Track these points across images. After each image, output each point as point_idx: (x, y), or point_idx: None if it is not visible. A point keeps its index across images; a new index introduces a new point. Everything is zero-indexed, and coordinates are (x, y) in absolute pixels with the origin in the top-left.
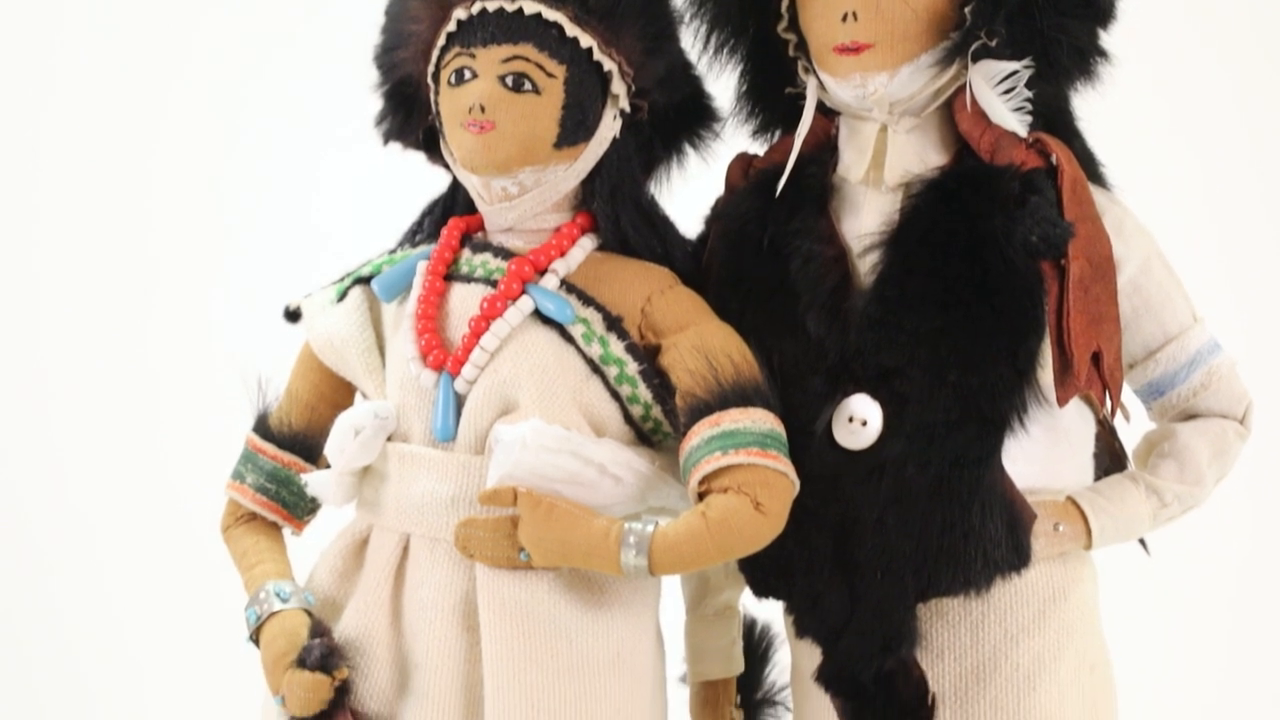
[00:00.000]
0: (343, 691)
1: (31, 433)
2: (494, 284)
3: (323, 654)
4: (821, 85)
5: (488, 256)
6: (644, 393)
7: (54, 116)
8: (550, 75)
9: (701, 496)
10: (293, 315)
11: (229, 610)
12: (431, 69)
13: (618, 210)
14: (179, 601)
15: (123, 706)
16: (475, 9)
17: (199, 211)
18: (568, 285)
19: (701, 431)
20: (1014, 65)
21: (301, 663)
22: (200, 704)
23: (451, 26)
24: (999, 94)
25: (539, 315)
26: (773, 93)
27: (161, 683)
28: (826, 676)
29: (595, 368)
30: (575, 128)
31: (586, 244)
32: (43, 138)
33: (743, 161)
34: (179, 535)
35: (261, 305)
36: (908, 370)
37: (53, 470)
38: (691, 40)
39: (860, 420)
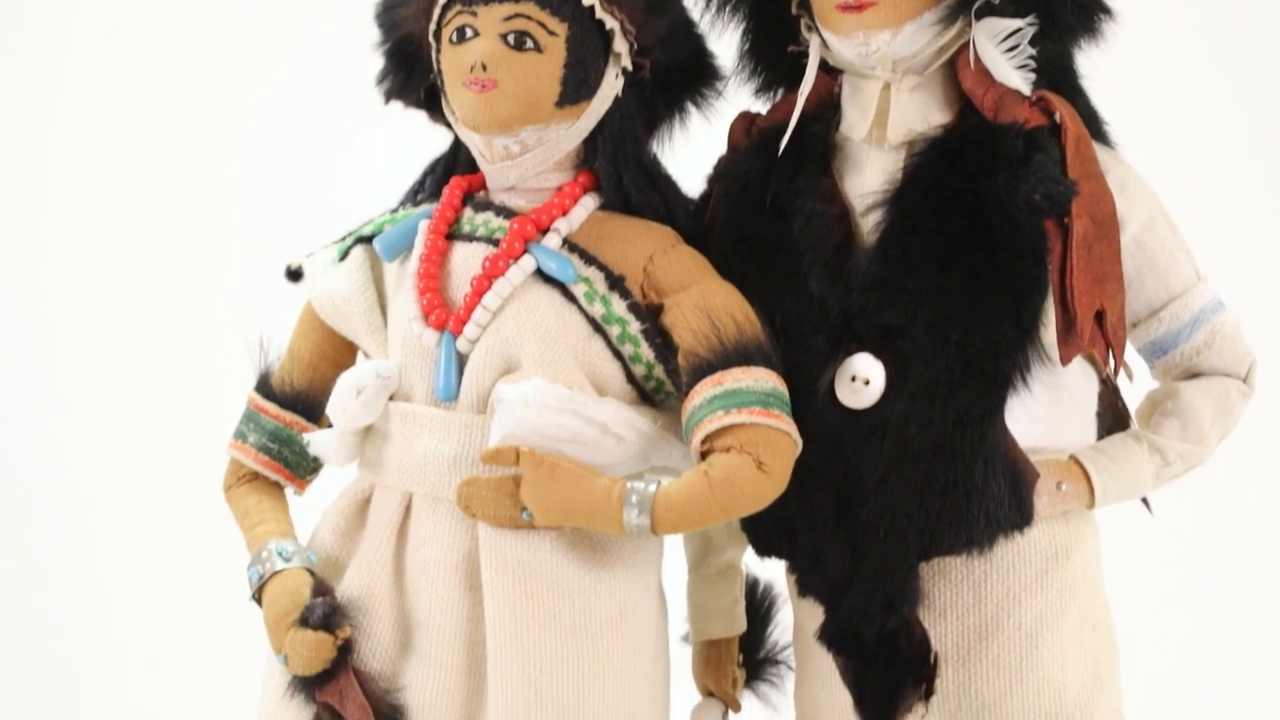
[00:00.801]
0: (345, 650)
1: (34, 421)
2: (496, 243)
3: (325, 613)
4: (824, 43)
5: (490, 215)
6: (646, 352)
7: (59, 86)
8: (552, 33)
9: (704, 456)
10: (294, 275)
11: (228, 609)
12: (433, 27)
13: (620, 169)
14: (180, 594)
15: (123, 697)
16: None
17: (202, 178)
18: (570, 244)
19: (704, 391)
20: (1017, 22)
21: (304, 622)
22: (201, 693)
23: None
24: (1002, 52)
25: (541, 274)
26: (775, 51)
27: (161, 674)
28: (829, 635)
29: (597, 327)
30: (577, 86)
31: (589, 203)
32: (47, 105)
33: (745, 120)
34: (182, 528)
35: (262, 268)
36: (910, 329)
37: (54, 457)
38: None
39: (863, 379)
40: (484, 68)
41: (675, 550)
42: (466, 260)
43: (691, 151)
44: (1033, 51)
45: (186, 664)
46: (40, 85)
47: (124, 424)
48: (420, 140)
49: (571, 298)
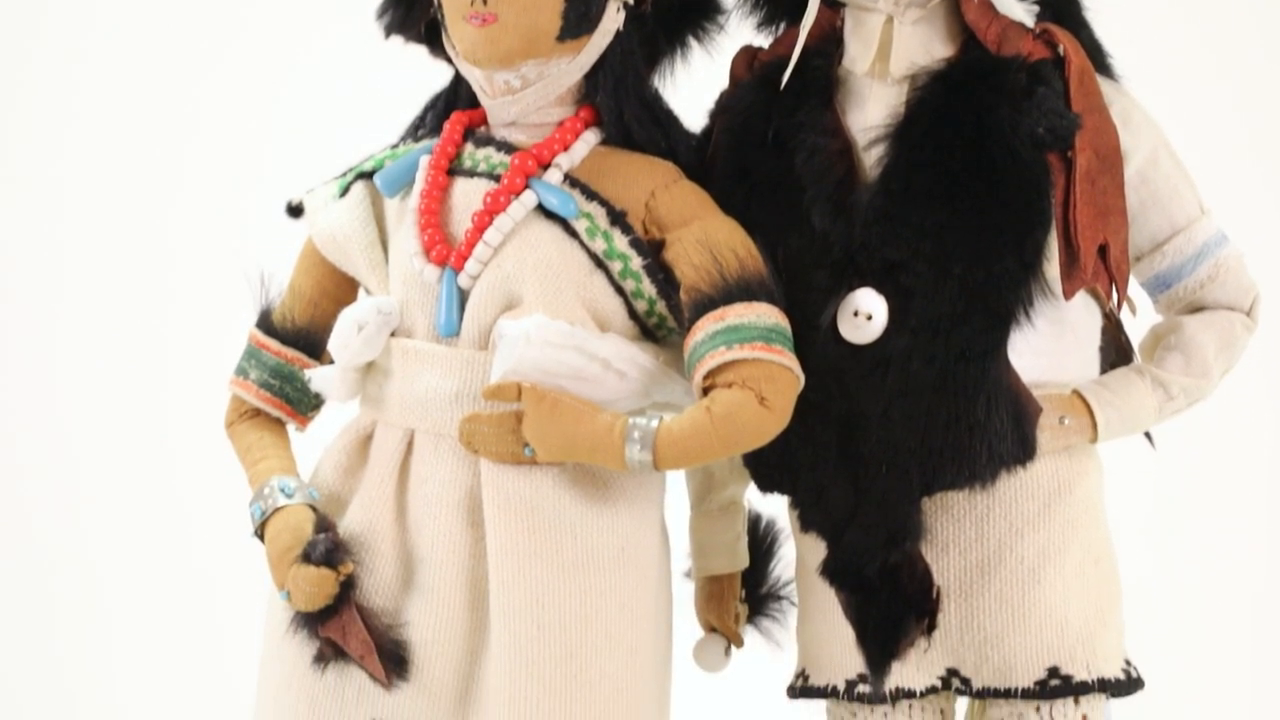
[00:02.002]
0: (348, 586)
1: (33, 419)
2: (497, 178)
3: (327, 549)
4: None
5: (490, 151)
6: (648, 288)
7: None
8: None
9: (706, 391)
10: (295, 211)
11: (226, 605)
12: None
13: (621, 104)
14: (181, 594)
15: (122, 697)
16: None
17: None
18: (571, 180)
19: (706, 326)
20: None
21: (306, 558)
22: (201, 693)
23: None
24: None
25: (542, 210)
26: None
27: (159, 674)
28: (831, 570)
29: (599, 263)
30: (578, 20)
31: (590, 138)
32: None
33: (747, 54)
34: (181, 526)
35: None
36: (913, 264)
37: (54, 454)
38: None
39: (865, 314)
40: (484, 1)
41: (677, 486)
42: (467, 196)
43: (693, 86)
44: None
45: (184, 664)
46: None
47: (125, 417)
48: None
49: (573, 233)
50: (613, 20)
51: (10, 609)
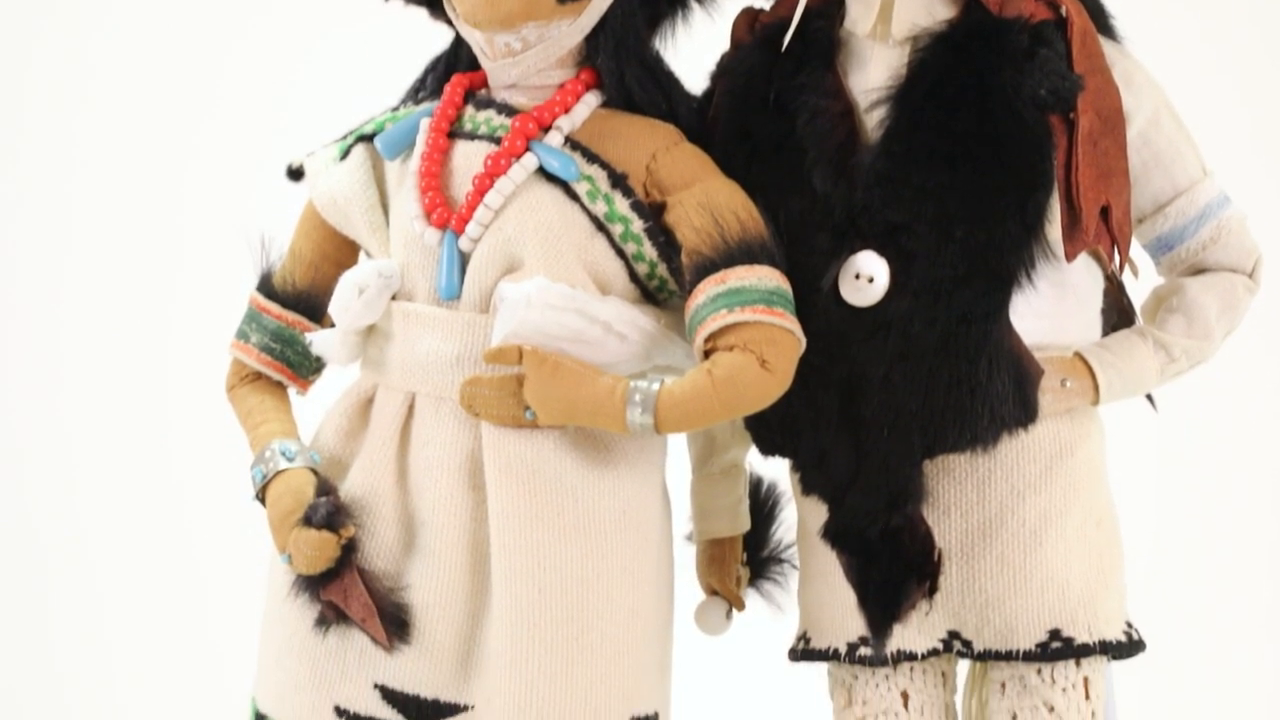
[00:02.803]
0: (349, 549)
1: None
2: (498, 141)
3: (329, 512)
4: None
5: (491, 113)
6: (649, 250)
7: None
8: None
9: (707, 354)
10: (295, 173)
11: (225, 601)
12: None
13: (622, 66)
14: (178, 585)
15: (120, 696)
16: None
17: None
18: (572, 142)
19: (707, 289)
20: None
21: (308, 521)
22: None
23: None
24: None
25: (543, 173)
26: None
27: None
28: (833, 533)
29: (600, 225)
30: None
31: (591, 101)
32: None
33: (748, 16)
34: (181, 524)
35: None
36: (915, 226)
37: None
38: None
39: (867, 277)
40: None
41: (679, 450)
42: (468, 158)
43: (694, 48)
44: None
45: (181, 662)
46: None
47: (124, 405)
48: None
49: (574, 196)
50: None
51: (8, 604)
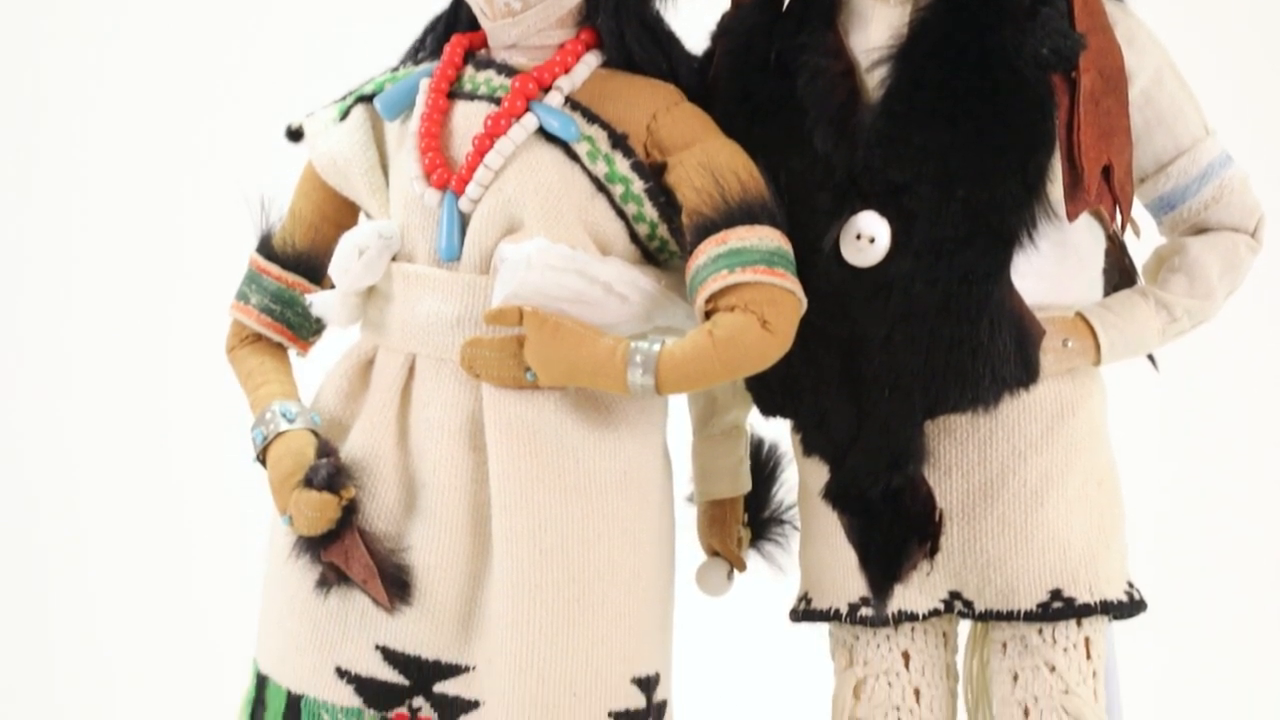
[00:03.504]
0: (350, 511)
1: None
2: (498, 101)
3: (329, 473)
4: None
5: (491, 74)
6: (650, 211)
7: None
8: None
9: (708, 315)
10: (295, 134)
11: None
12: None
13: (622, 26)
14: (175, 578)
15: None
16: None
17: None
18: (572, 103)
19: (708, 250)
20: None
21: (308, 482)
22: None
23: None
24: None
25: (543, 133)
26: None
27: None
28: (834, 493)
29: (600, 186)
30: None
31: (591, 61)
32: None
33: None
34: (179, 523)
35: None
36: (916, 186)
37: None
38: None
39: (868, 237)
40: None
41: (680, 411)
42: (468, 119)
43: (694, 8)
44: None
45: (178, 658)
46: None
47: (123, 398)
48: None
49: (574, 156)
50: None
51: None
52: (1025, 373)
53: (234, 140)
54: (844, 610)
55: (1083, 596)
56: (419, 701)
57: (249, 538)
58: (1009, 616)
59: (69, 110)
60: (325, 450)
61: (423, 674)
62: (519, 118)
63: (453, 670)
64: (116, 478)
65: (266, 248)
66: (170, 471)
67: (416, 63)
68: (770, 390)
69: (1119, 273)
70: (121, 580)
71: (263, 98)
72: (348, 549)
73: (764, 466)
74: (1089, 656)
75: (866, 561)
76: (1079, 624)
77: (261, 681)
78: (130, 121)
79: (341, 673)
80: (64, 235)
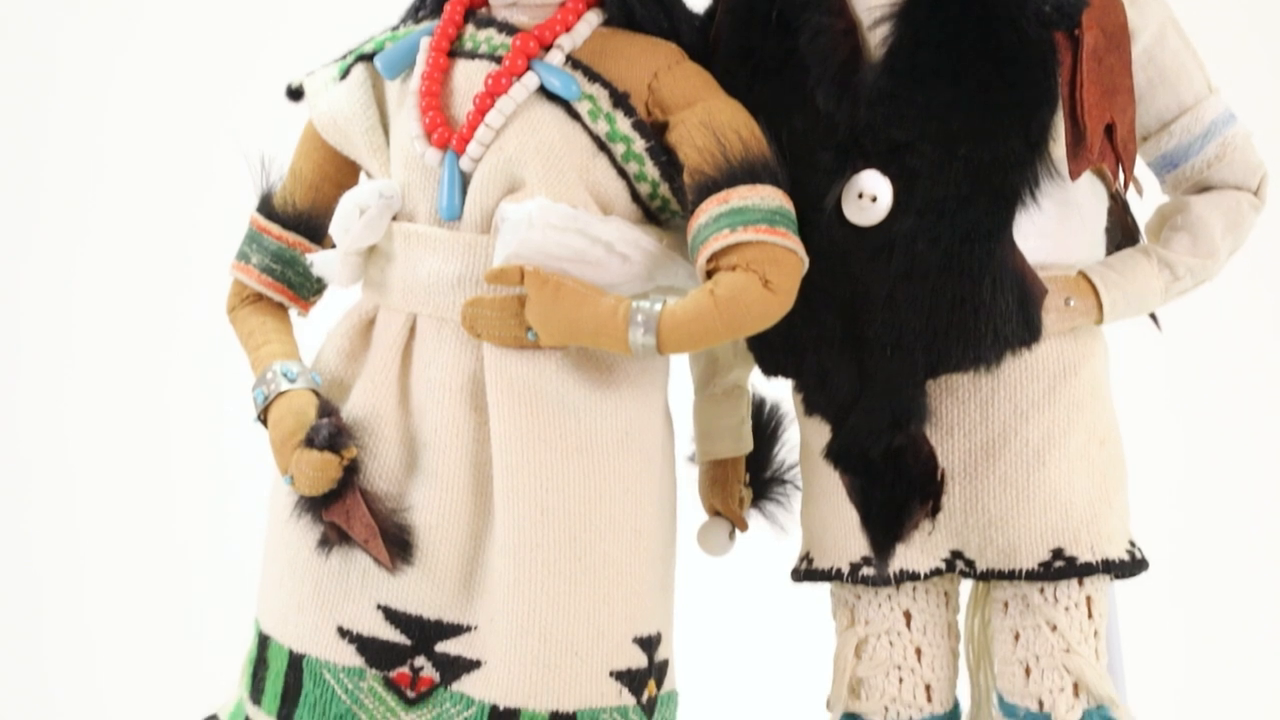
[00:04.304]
0: (351, 471)
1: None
2: (498, 60)
3: (331, 433)
4: None
5: (492, 32)
6: (651, 170)
7: None
8: None
9: (710, 274)
10: (295, 93)
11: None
12: None
13: None
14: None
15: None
16: None
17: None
18: (573, 61)
19: (709, 209)
20: None
21: (310, 442)
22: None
23: None
24: None
25: (544, 92)
26: None
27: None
28: (835, 453)
29: (602, 145)
30: None
31: (592, 19)
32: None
33: None
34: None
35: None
36: (918, 144)
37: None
38: None
39: (870, 196)
40: None
41: (681, 370)
42: (469, 78)
43: None
44: None
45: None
46: None
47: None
48: None
49: (575, 115)
50: None
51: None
52: (1027, 332)
53: (234, 102)
54: (845, 570)
55: (1084, 555)
56: (421, 661)
57: (245, 507)
58: (1010, 576)
59: (51, 74)
60: (326, 410)
61: (424, 634)
62: (520, 76)
63: (454, 630)
64: (111, 448)
65: (267, 207)
66: (167, 444)
67: (417, 21)
68: (772, 350)
69: (1121, 231)
70: (119, 552)
71: (263, 58)
72: (349, 509)
73: (765, 426)
74: (1090, 615)
75: (868, 521)
76: (1080, 583)
77: (263, 641)
78: (129, 95)
79: (343, 632)
80: (60, 229)
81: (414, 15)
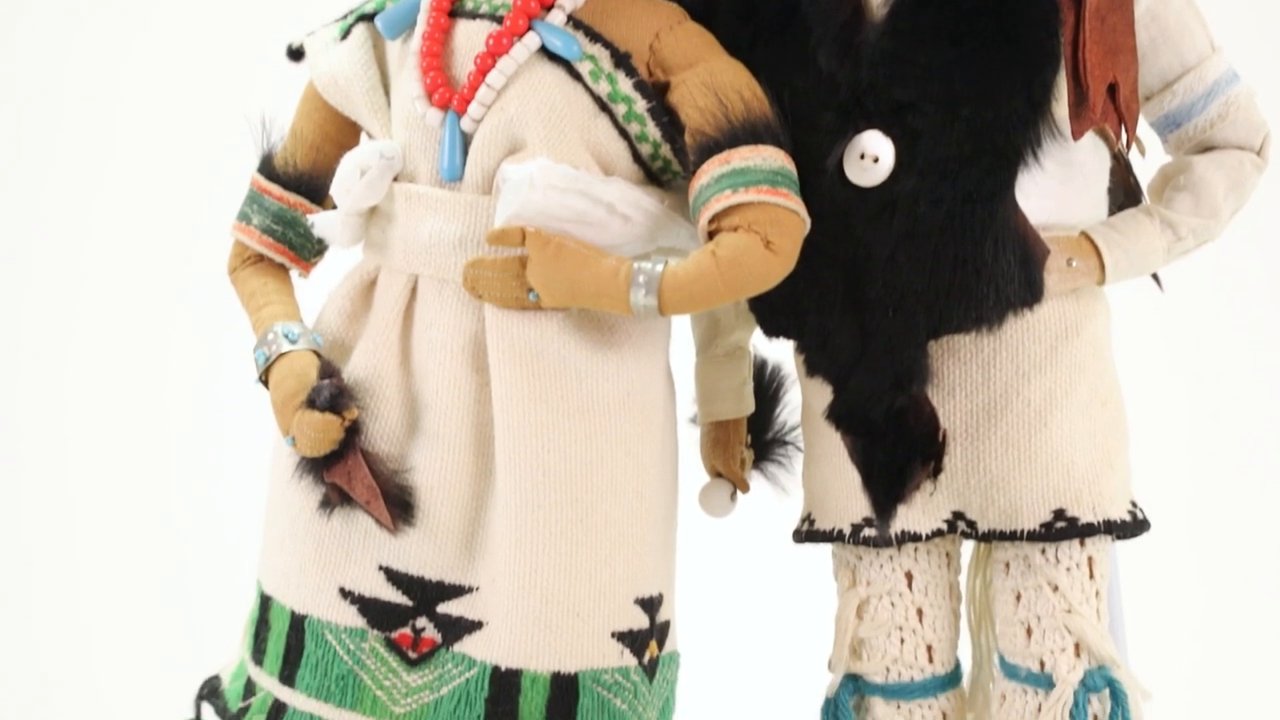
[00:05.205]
0: (353, 432)
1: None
2: (500, 20)
3: (332, 394)
4: None
5: None
6: (652, 131)
7: None
8: None
9: (712, 235)
10: (296, 54)
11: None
12: None
13: None
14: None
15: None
16: None
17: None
18: (575, 21)
19: (711, 170)
20: None
21: (311, 403)
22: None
23: None
24: None
25: (546, 52)
26: None
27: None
28: (837, 414)
29: (603, 105)
30: None
31: None
32: None
33: None
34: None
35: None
36: (920, 105)
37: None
38: None
39: (872, 156)
40: None
41: (683, 332)
42: (470, 38)
43: None
44: None
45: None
46: None
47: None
48: None
49: (577, 76)
50: None
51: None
52: (1029, 292)
53: (237, 63)
54: (847, 531)
55: (1086, 516)
56: (422, 622)
57: (246, 468)
58: (1012, 536)
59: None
60: (328, 371)
61: (426, 595)
62: (521, 36)
63: (456, 591)
64: (112, 408)
65: (268, 168)
66: (167, 405)
67: None
68: (773, 311)
69: (1124, 192)
70: (118, 514)
71: (264, 18)
72: (350, 470)
73: (767, 387)
74: (1092, 576)
75: (870, 482)
76: (1082, 544)
77: (265, 602)
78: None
79: (345, 593)
80: (62, 193)
81: None
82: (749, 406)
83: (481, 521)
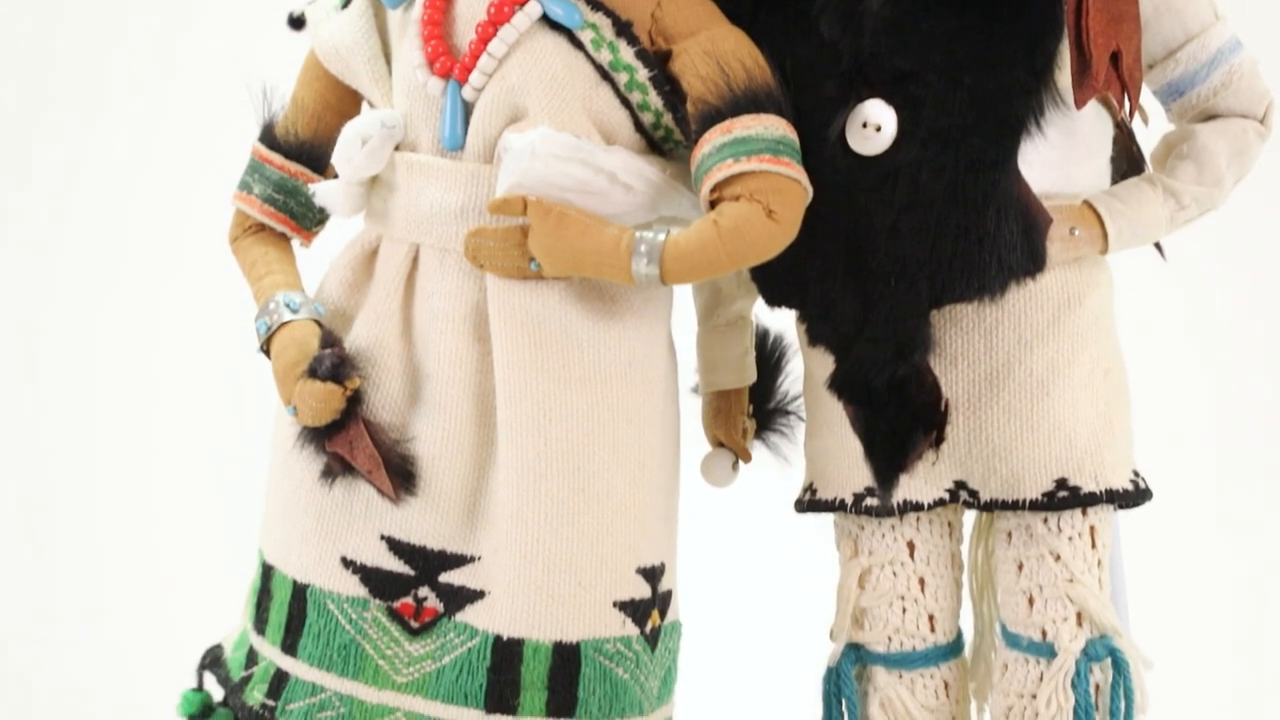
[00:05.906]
0: (354, 401)
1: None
2: None
3: (334, 364)
4: None
5: None
6: (654, 100)
7: None
8: None
9: (713, 205)
10: (297, 22)
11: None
12: None
13: None
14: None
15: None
16: None
17: None
18: None
19: (713, 139)
20: None
21: (313, 373)
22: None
23: None
24: None
25: (547, 21)
26: None
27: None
28: (839, 384)
29: (605, 74)
30: None
31: None
32: None
33: None
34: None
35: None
36: (923, 73)
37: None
38: None
39: (874, 125)
40: None
41: (685, 301)
42: (471, 6)
43: None
44: None
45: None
46: None
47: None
48: None
49: (578, 44)
50: None
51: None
52: (1032, 261)
53: (238, 30)
54: (849, 500)
55: (1088, 485)
56: (424, 591)
57: (247, 438)
58: (1014, 506)
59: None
60: (329, 340)
61: (428, 564)
62: (523, 5)
63: (458, 560)
64: (115, 380)
65: (269, 137)
66: (170, 376)
67: None
68: (775, 280)
69: (1127, 161)
70: (121, 484)
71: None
72: (352, 439)
73: (769, 357)
74: (1094, 545)
75: (872, 451)
76: (1084, 513)
77: (267, 572)
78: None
79: (347, 563)
80: (59, 170)
81: None
82: (751, 376)
83: (483, 491)
